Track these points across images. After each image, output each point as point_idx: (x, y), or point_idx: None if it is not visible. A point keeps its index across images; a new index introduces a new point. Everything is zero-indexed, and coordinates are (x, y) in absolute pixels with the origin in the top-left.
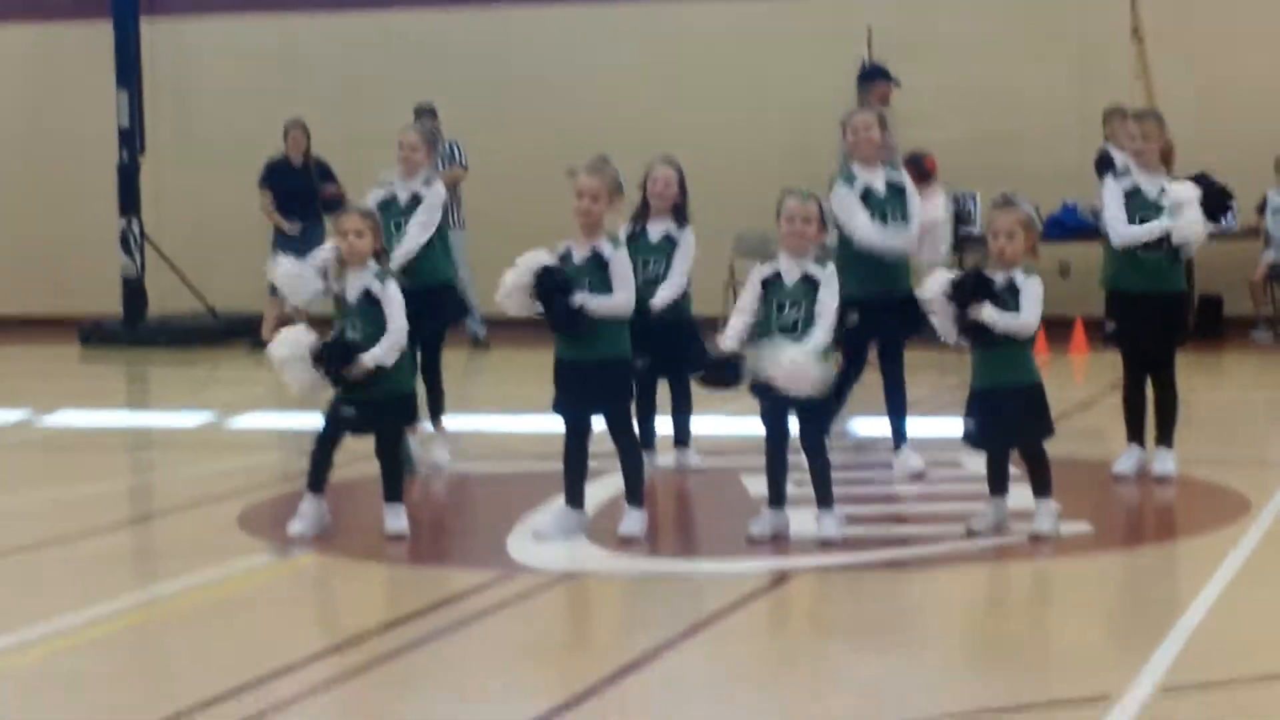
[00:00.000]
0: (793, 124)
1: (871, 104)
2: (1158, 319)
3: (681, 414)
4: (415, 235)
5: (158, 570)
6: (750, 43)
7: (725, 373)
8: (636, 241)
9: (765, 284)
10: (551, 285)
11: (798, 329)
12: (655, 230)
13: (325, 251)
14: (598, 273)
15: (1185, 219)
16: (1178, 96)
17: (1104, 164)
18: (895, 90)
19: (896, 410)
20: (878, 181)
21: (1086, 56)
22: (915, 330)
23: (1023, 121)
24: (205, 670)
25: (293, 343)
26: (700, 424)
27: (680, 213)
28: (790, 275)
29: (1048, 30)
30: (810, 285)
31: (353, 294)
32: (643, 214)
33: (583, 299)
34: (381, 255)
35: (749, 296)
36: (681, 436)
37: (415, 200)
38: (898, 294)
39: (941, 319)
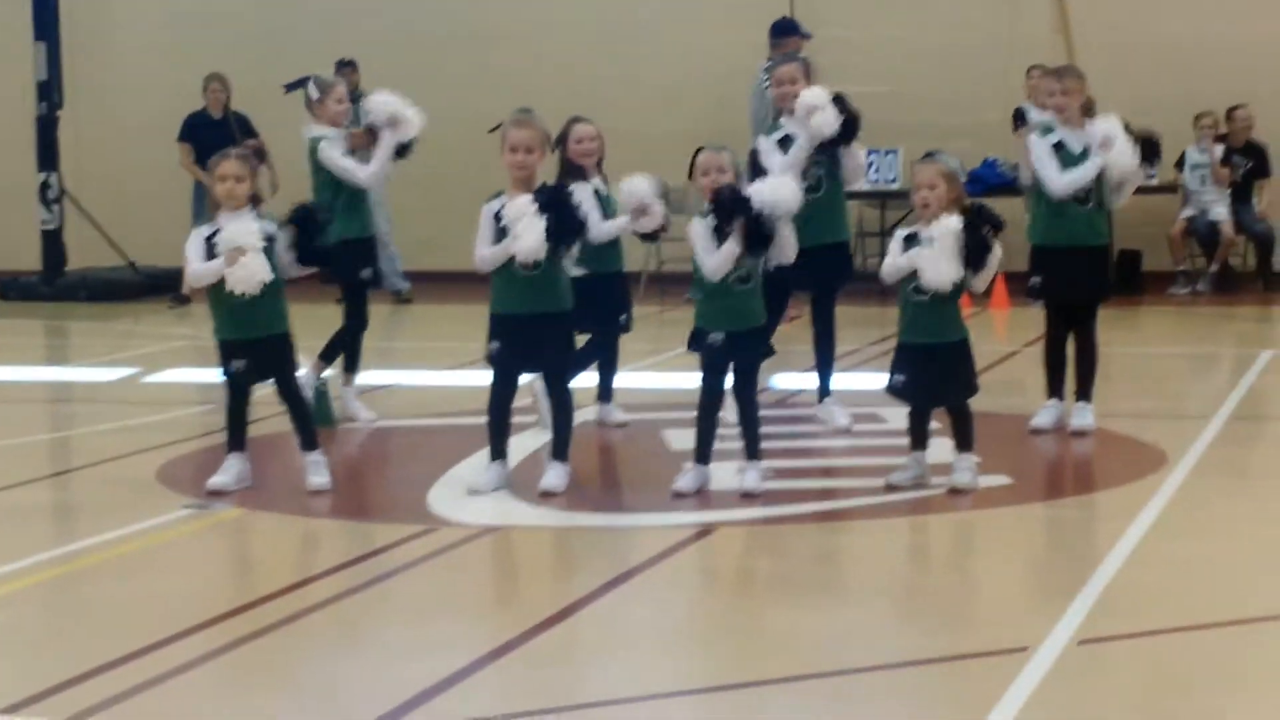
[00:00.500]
0: (717, 82)
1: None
2: (1083, 273)
3: (606, 369)
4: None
5: (75, 525)
6: (673, 1)
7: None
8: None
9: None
10: (555, 200)
11: (750, 278)
12: (583, 188)
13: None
14: None
15: (1115, 150)
16: (1097, 53)
17: (1017, 120)
18: (806, 44)
19: (825, 362)
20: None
21: (1008, 13)
22: (847, 278)
23: (944, 78)
24: (119, 626)
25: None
26: (620, 379)
27: (600, 168)
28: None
29: None
30: None
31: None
32: (569, 174)
33: (593, 219)
34: (258, 199)
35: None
36: (605, 392)
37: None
38: (829, 242)
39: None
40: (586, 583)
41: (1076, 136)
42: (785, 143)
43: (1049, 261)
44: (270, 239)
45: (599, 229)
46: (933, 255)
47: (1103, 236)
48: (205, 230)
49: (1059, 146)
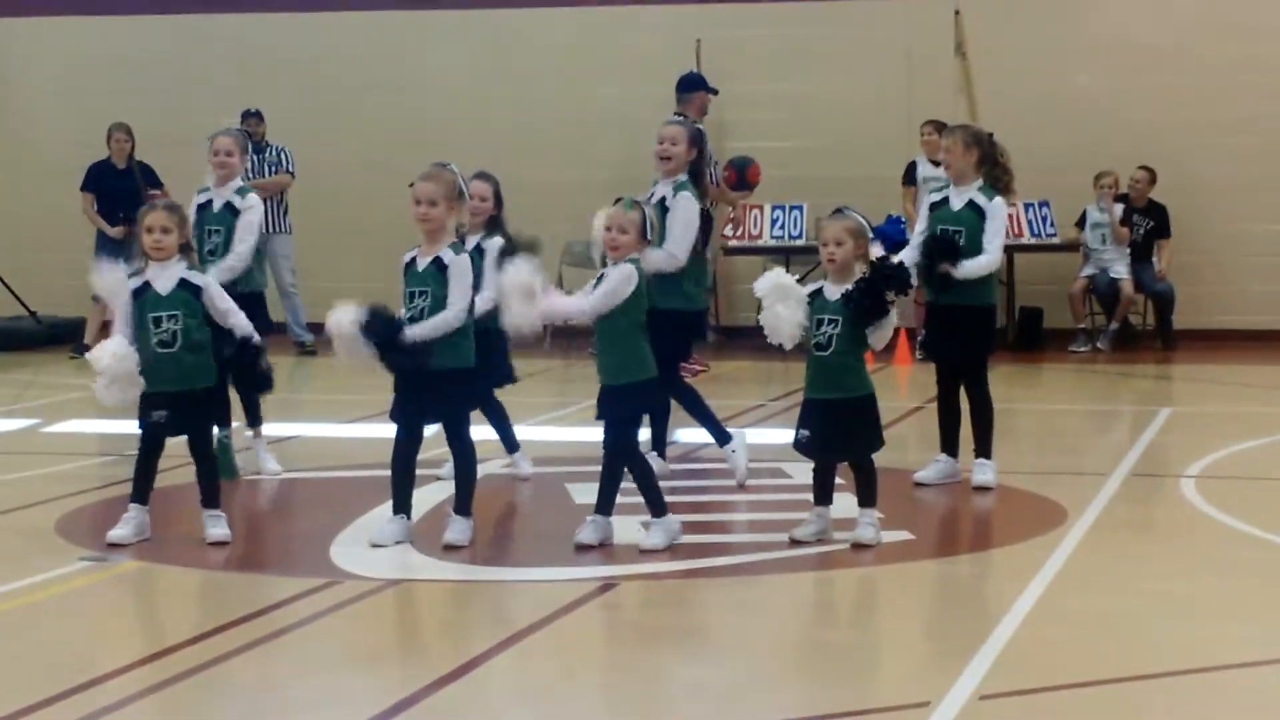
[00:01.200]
0: (622, 135)
1: (688, 116)
2: (961, 331)
3: (500, 422)
4: (240, 255)
5: None
6: (580, 52)
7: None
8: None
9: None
10: (378, 334)
11: (603, 337)
12: (468, 242)
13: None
14: (438, 278)
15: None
16: (1001, 111)
17: (906, 175)
18: (712, 99)
19: (703, 416)
20: (658, 195)
21: (913, 70)
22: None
23: (850, 133)
24: (14, 679)
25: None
26: (524, 432)
27: (494, 224)
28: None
29: (876, 42)
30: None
31: (164, 286)
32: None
33: (411, 333)
34: (188, 249)
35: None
36: (509, 443)
37: (229, 208)
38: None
39: (779, 316)
40: (488, 637)
41: (959, 195)
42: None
43: (929, 318)
44: (198, 290)
45: (432, 328)
46: (767, 314)
47: (981, 297)
48: (134, 283)
49: (940, 205)
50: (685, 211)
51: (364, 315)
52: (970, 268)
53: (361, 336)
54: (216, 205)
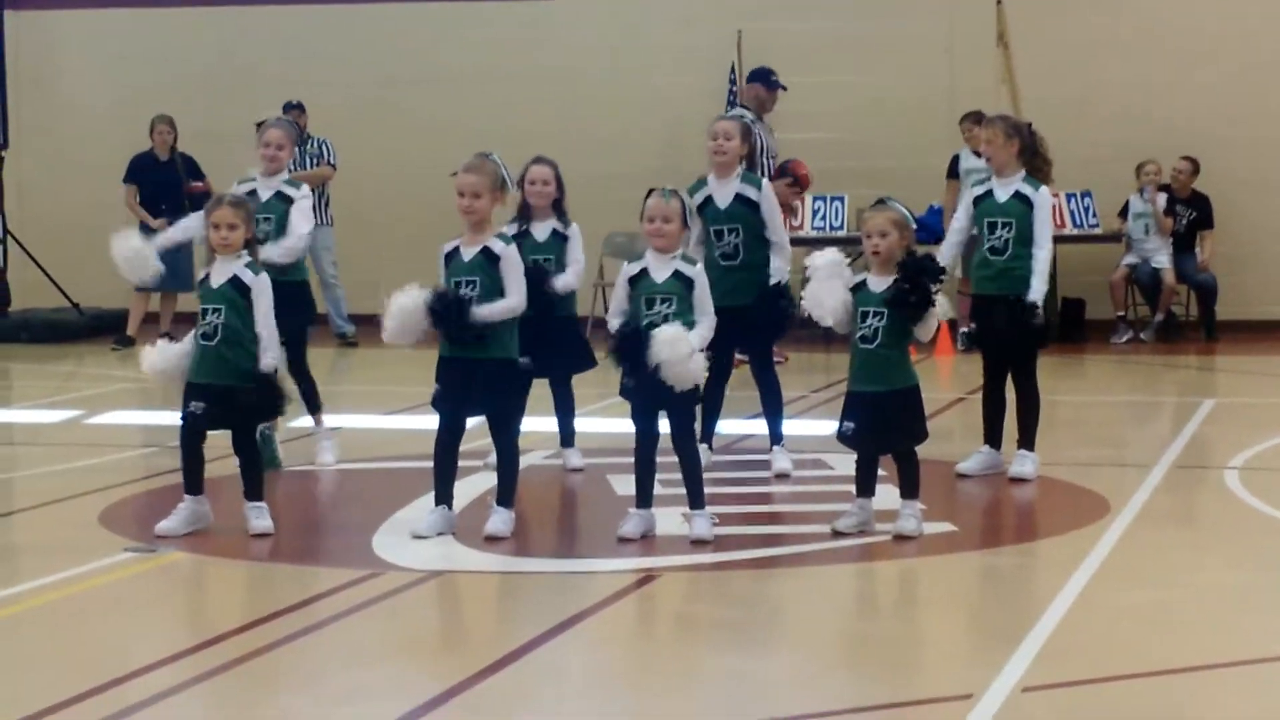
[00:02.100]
0: (663, 125)
1: (747, 108)
2: (1011, 322)
3: (564, 414)
4: (301, 236)
5: (16, 568)
6: (621, 44)
7: (626, 344)
8: (522, 241)
9: (632, 281)
10: (448, 314)
11: (668, 324)
12: (540, 229)
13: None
14: (489, 269)
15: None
16: (1043, 102)
17: (951, 168)
18: (777, 95)
19: (772, 412)
20: (723, 192)
21: (955, 61)
22: (777, 334)
23: (891, 125)
24: (61, 670)
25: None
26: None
27: (560, 209)
28: (659, 272)
29: (917, 34)
30: (682, 282)
31: (217, 280)
32: (525, 215)
33: (478, 312)
34: (253, 245)
35: (619, 296)
36: (566, 436)
37: (279, 196)
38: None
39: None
40: (529, 628)
41: (1004, 186)
42: (704, 207)
43: (979, 309)
44: (246, 290)
45: (498, 311)
46: (813, 288)
47: (1021, 287)
48: (200, 273)
49: (985, 197)
50: (775, 199)
51: (431, 297)
52: (1038, 285)
53: (426, 316)
54: (264, 194)
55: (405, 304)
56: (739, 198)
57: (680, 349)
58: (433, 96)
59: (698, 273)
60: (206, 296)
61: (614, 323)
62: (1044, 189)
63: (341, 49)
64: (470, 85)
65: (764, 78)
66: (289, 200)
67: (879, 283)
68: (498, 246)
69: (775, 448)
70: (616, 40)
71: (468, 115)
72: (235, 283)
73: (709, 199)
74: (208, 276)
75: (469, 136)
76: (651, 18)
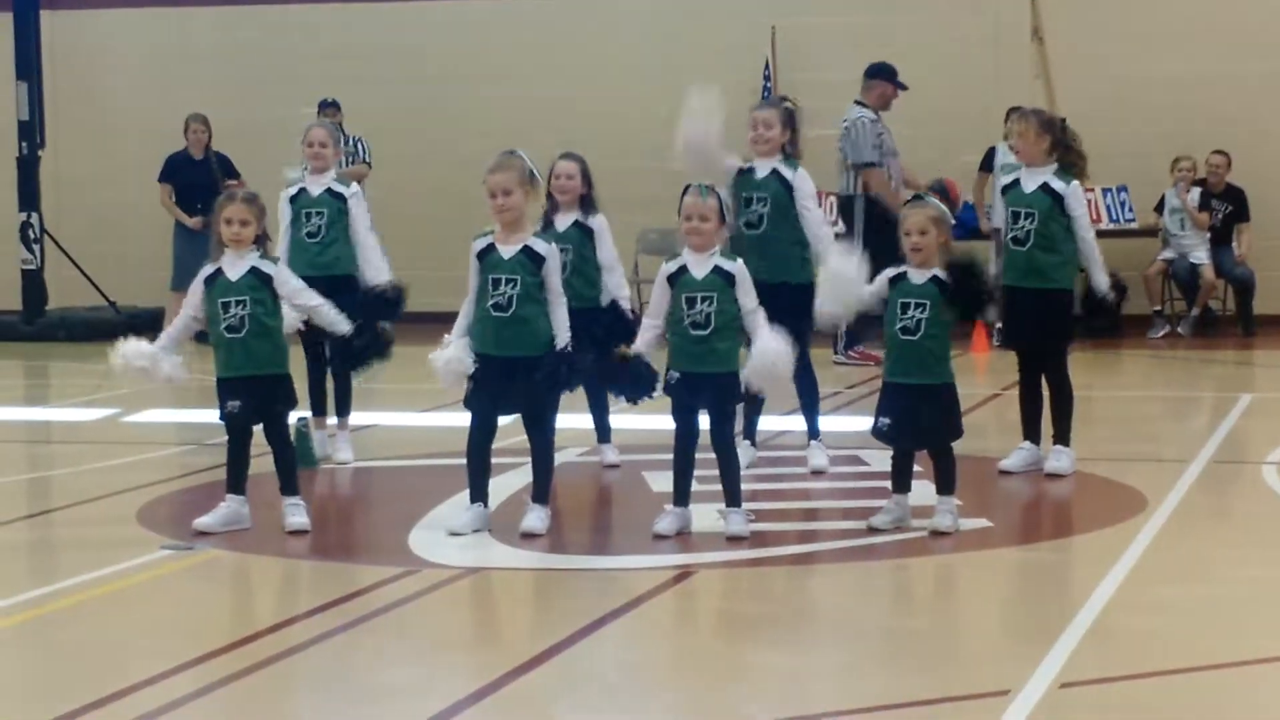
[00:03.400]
0: None
1: (867, 103)
2: (1037, 316)
3: (599, 410)
4: (372, 247)
5: (55, 566)
6: (656, 39)
7: (638, 381)
8: (543, 234)
9: (671, 279)
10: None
11: (710, 322)
12: (562, 220)
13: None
14: (530, 267)
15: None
16: (1079, 96)
17: (984, 162)
18: (897, 94)
19: (809, 407)
20: (762, 167)
21: (994, 56)
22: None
23: (929, 120)
24: (99, 668)
25: None
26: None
27: (587, 203)
28: (699, 269)
29: (954, 28)
30: (723, 277)
31: (235, 274)
32: (550, 209)
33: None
34: (264, 240)
35: (658, 296)
36: (603, 432)
37: (329, 192)
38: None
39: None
40: (566, 625)
41: (1031, 178)
42: (742, 186)
43: (1007, 303)
44: (268, 278)
45: (560, 323)
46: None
47: (1056, 280)
48: (207, 270)
49: (1012, 186)
50: (809, 183)
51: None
52: (1098, 275)
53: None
54: (314, 191)
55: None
56: (774, 172)
57: (781, 368)
58: (469, 95)
59: (738, 268)
60: (225, 290)
61: (654, 324)
62: (1075, 183)
63: (377, 48)
64: (505, 83)
65: (891, 75)
66: (340, 197)
67: (920, 275)
68: (540, 246)
69: (812, 443)
70: (652, 37)
71: (503, 113)
72: (255, 273)
73: (748, 170)
74: (220, 272)
75: (504, 134)
76: (686, 14)
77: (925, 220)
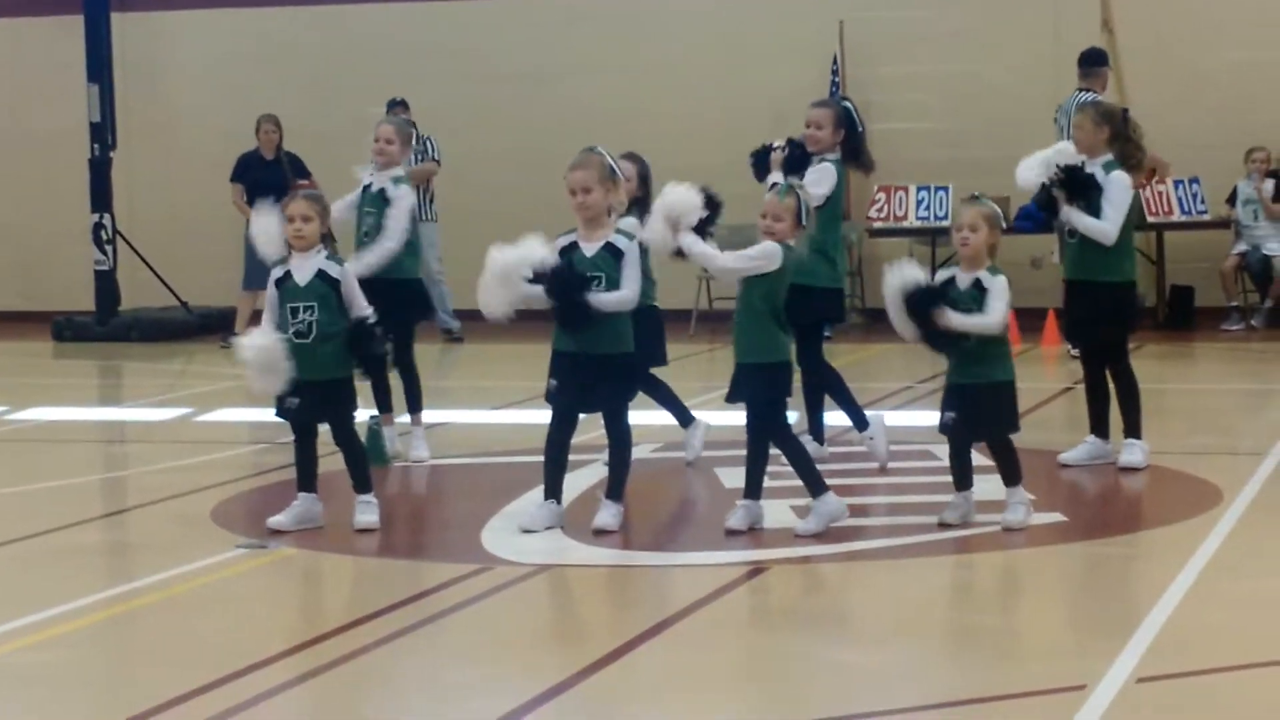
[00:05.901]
0: (768, 116)
1: (1094, 90)
2: (1096, 308)
3: (667, 401)
4: (393, 236)
5: (129, 565)
6: (723, 35)
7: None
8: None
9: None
10: (566, 284)
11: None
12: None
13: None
14: (613, 263)
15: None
16: (1150, 87)
17: None
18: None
19: (842, 399)
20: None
21: (1059, 49)
22: (836, 319)
23: (995, 115)
24: (175, 666)
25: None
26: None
27: (642, 206)
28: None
29: (1021, 22)
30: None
31: (303, 277)
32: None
33: (596, 299)
34: (329, 239)
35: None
36: (683, 417)
37: (382, 194)
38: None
39: (899, 321)
40: (639, 622)
41: (1089, 168)
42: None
43: (1067, 296)
44: (335, 283)
45: (611, 301)
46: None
47: (1114, 272)
48: (277, 271)
49: None
50: (818, 187)
51: (553, 264)
52: (1084, 222)
53: (525, 275)
54: (374, 188)
55: (508, 265)
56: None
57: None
58: (537, 93)
59: (765, 243)
60: (294, 295)
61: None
62: (1118, 173)
63: (446, 46)
64: (574, 81)
65: (1106, 59)
66: (388, 200)
67: (965, 279)
68: (621, 242)
69: (865, 435)
70: (718, 34)
71: (571, 111)
72: (322, 276)
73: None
74: (289, 275)
75: (572, 132)
76: (753, 10)
77: (976, 217)
